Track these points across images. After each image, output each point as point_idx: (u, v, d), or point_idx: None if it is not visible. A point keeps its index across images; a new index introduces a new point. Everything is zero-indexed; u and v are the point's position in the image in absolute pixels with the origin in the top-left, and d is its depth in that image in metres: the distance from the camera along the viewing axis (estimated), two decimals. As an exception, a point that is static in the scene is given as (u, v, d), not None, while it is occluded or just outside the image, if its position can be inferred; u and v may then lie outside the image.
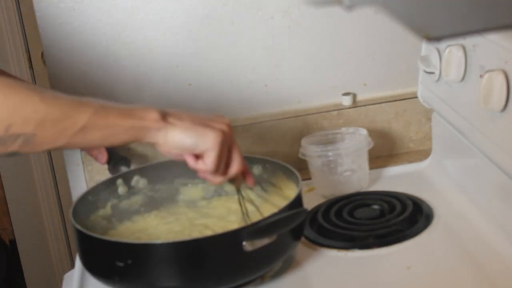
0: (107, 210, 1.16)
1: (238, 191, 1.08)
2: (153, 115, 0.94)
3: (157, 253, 0.97)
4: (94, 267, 1.04)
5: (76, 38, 1.36)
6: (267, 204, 1.13)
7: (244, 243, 0.97)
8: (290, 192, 1.13)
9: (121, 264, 0.97)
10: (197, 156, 0.97)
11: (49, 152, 2.21)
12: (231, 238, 0.97)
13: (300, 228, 1.06)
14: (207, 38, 1.40)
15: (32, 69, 2.18)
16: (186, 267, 0.97)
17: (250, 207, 1.10)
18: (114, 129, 0.91)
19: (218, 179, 1.00)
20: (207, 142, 0.95)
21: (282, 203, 1.07)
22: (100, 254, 1.02)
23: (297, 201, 1.06)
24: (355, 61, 1.45)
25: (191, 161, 0.98)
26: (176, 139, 0.94)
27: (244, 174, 1.05)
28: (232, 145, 0.99)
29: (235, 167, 1.00)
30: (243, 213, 1.10)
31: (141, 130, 0.93)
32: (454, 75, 1.13)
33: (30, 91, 0.87)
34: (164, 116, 0.95)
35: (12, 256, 2.21)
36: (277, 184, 1.17)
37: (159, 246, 0.97)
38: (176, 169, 1.23)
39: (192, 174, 1.24)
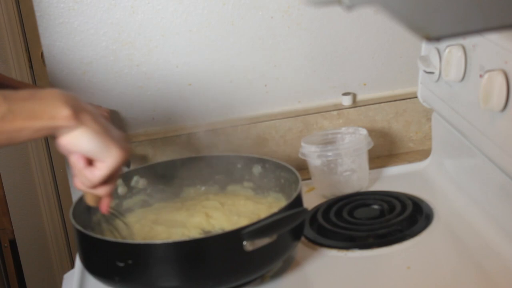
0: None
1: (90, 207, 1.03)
2: (65, 112, 0.84)
3: (157, 253, 0.97)
4: (94, 267, 1.04)
5: (76, 38, 1.36)
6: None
7: (244, 243, 0.97)
8: None
9: (121, 264, 0.97)
10: (88, 162, 0.90)
11: (49, 152, 2.21)
12: (231, 238, 0.97)
13: (300, 228, 1.06)
14: (207, 38, 1.40)
15: (32, 69, 2.18)
16: (186, 267, 0.97)
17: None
18: (22, 132, 0.84)
19: (83, 187, 0.93)
20: (108, 157, 0.88)
21: None
22: (100, 254, 1.02)
23: (297, 201, 1.06)
24: (355, 61, 1.45)
25: (80, 163, 0.89)
26: (81, 140, 0.86)
27: (106, 196, 0.98)
28: (121, 169, 0.91)
29: (106, 189, 0.93)
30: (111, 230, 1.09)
31: (51, 130, 0.85)
32: (454, 75, 1.13)
33: None
34: (77, 113, 0.85)
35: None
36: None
37: (159, 246, 0.97)
38: (177, 169, 1.23)
39: (193, 174, 1.24)
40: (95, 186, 0.91)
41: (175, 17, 1.38)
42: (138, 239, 1.10)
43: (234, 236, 0.97)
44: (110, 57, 1.38)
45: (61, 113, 0.84)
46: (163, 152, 1.41)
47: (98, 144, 0.86)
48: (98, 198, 0.97)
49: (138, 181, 1.21)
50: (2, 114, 0.82)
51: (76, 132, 0.85)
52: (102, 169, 0.89)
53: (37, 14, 1.35)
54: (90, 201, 0.97)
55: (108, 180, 0.91)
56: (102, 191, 0.93)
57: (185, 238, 1.02)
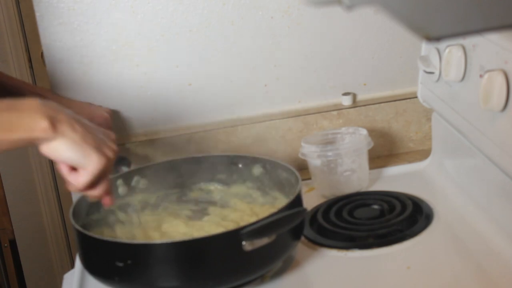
0: (107, 210, 1.16)
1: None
2: (42, 124, 0.86)
3: (157, 253, 0.97)
4: (94, 268, 1.04)
5: (76, 38, 1.36)
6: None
7: (243, 243, 0.97)
8: None
9: (121, 264, 0.97)
10: (72, 168, 0.92)
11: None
12: (231, 238, 0.97)
13: (299, 228, 1.06)
14: (207, 38, 1.40)
15: (32, 69, 2.18)
16: (186, 267, 0.97)
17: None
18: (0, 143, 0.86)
19: (76, 189, 0.94)
20: (89, 164, 0.90)
21: None
22: (100, 255, 1.02)
23: (297, 201, 1.06)
24: (355, 61, 1.45)
25: (64, 170, 0.92)
26: (60, 150, 0.88)
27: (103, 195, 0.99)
28: (108, 171, 0.93)
29: (98, 191, 0.95)
30: None
31: (28, 142, 0.87)
32: (454, 75, 1.13)
33: None
34: (55, 125, 0.87)
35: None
36: None
37: (159, 246, 0.97)
38: (177, 169, 1.23)
39: (193, 174, 1.24)
40: (83, 190, 0.93)
41: (175, 17, 1.38)
42: (140, 237, 1.11)
43: (233, 236, 0.97)
44: (110, 57, 1.38)
45: (39, 125, 0.86)
46: (163, 152, 1.41)
47: (77, 153, 0.89)
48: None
49: (139, 181, 1.21)
50: None
51: (55, 142, 0.88)
52: (84, 175, 0.91)
53: (37, 14, 1.35)
54: (91, 199, 0.98)
55: (97, 182, 0.93)
56: (95, 192, 0.95)
57: (185, 238, 1.02)
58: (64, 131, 0.88)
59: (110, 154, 0.92)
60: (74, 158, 0.89)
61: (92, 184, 0.93)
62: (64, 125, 0.88)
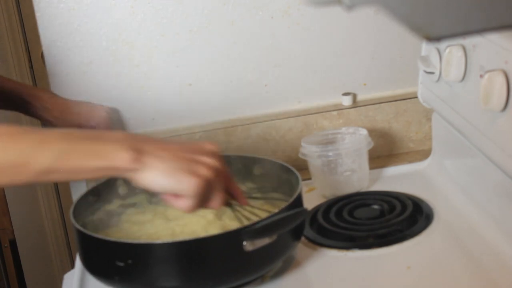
0: (107, 210, 1.16)
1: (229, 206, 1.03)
2: (125, 156, 0.85)
3: (157, 253, 0.97)
4: (94, 267, 1.04)
5: (76, 38, 1.36)
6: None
7: (244, 243, 0.97)
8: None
9: (121, 264, 0.97)
10: (175, 194, 0.91)
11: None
12: (231, 238, 0.97)
13: (300, 228, 1.06)
14: (207, 38, 1.40)
15: (32, 69, 2.18)
16: (186, 267, 0.97)
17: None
18: (79, 172, 0.85)
19: (187, 212, 0.94)
20: (186, 190, 0.89)
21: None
22: (100, 254, 1.02)
23: (297, 201, 1.06)
24: (355, 61, 1.45)
25: (168, 199, 0.91)
26: (152, 182, 0.87)
27: (235, 196, 1.00)
28: (211, 186, 0.91)
29: (215, 204, 0.94)
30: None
31: (111, 171, 0.86)
32: (454, 75, 1.13)
33: None
34: (138, 156, 0.86)
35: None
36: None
37: (159, 246, 0.97)
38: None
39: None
40: (197, 209, 0.92)
41: (175, 17, 1.38)
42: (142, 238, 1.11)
43: (234, 236, 0.97)
44: (110, 57, 1.38)
45: (121, 155, 0.85)
46: (163, 152, 1.41)
47: (170, 182, 0.88)
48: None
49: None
50: (58, 152, 0.83)
51: (143, 174, 0.87)
52: (188, 200, 0.90)
53: (37, 14, 1.35)
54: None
55: (204, 200, 0.91)
56: (213, 206, 0.94)
57: (185, 238, 1.02)
58: (150, 162, 0.87)
59: (204, 172, 0.89)
60: (168, 187, 0.88)
61: (200, 203, 0.91)
62: (149, 156, 0.87)
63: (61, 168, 0.84)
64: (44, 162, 0.83)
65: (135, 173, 0.87)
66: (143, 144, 0.88)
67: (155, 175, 0.87)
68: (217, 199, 0.94)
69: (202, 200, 0.92)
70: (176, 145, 0.92)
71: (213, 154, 0.93)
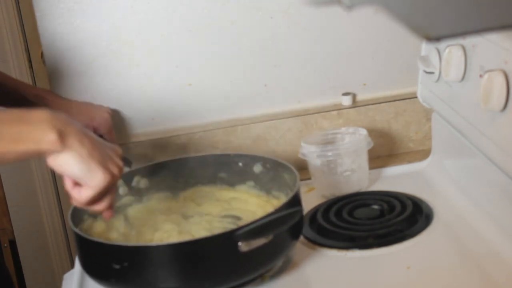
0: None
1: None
2: (50, 138, 0.85)
3: (153, 255, 0.97)
4: (91, 269, 1.04)
5: (76, 38, 1.36)
6: None
7: (239, 243, 0.96)
8: None
9: (117, 267, 0.97)
10: (76, 182, 0.91)
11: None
12: (227, 239, 0.97)
13: (297, 228, 1.06)
14: (207, 38, 1.40)
15: (32, 69, 2.17)
16: (182, 268, 0.97)
17: None
18: (7, 154, 0.85)
19: (78, 204, 0.94)
20: (93, 181, 0.89)
21: None
22: (97, 257, 1.02)
23: (294, 201, 1.05)
24: (355, 61, 1.45)
25: (68, 185, 0.92)
26: (66, 164, 0.87)
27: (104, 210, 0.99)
28: (112, 187, 0.93)
29: (100, 206, 0.94)
30: None
31: (35, 153, 0.86)
32: (454, 75, 1.13)
33: None
34: (63, 138, 0.86)
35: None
36: None
37: (155, 248, 0.97)
38: (178, 169, 1.23)
39: (193, 174, 1.24)
40: (85, 205, 0.92)
41: (175, 17, 1.38)
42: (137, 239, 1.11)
43: (229, 237, 0.96)
44: (110, 57, 1.38)
45: (47, 138, 0.85)
46: (163, 152, 1.41)
47: (82, 168, 0.88)
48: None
49: (139, 181, 1.21)
50: None
51: (62, 155, 0.87)
52: (87, 191, 0.90)
53: (37, 14, 1.35)
54: (91, 212, 0.98)
55: (99, 198, 0.92)
56: (97, 208, 0.94)
57: (180, 240, 1.01)
58: (72, 144, 0.87)
59: (115, 171, 0.91)
60: (79, 173, 0.88)
61: (95, 200, 0.92)
62: (72, 138, 0.87)
63: None
64: None
65: (56, 154, 0.87)
66: (66, 125, 0.87)
67: (72, 159, 0.87)
68: (106, 202, 0.94)
69: (98, 197, 0.92)
70: (93, 134, 0.92)
71: (120, 160, 0.94)
